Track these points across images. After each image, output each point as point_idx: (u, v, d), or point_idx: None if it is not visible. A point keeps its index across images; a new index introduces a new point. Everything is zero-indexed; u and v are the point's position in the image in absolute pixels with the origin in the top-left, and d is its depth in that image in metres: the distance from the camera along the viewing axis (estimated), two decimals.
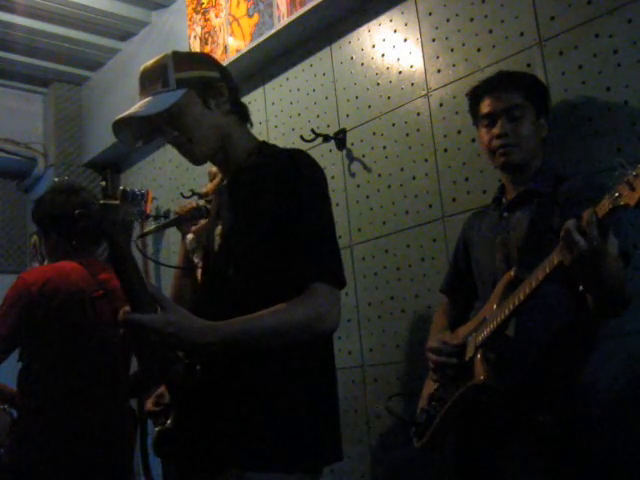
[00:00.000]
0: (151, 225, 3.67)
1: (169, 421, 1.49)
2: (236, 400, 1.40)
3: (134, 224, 1.47)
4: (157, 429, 1.49)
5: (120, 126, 1.50)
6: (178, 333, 1.27)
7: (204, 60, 1.58)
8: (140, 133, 1.58)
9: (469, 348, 1.70)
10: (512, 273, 1.65)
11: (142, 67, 1.53)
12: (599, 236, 1.32)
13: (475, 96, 1.92)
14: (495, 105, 1.83)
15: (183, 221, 2.10)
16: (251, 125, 1.64)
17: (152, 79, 1.49)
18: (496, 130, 1.82)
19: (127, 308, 1.30)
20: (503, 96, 1.83)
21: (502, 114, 1.81)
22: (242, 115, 1.60)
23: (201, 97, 1.51)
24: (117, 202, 1.35)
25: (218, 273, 1.51)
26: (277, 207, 1.42)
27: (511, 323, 1.60)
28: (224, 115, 1.55)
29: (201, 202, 2.20)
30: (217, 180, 1.70)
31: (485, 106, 1.86)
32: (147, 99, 1.47)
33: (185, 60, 1.52)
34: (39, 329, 2.25)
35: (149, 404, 1.63)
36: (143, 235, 2.08)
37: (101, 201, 1.35)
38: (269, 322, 1.34)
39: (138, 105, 1.47)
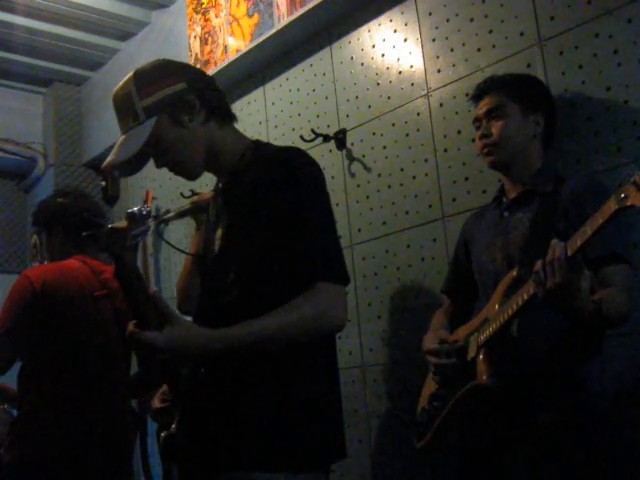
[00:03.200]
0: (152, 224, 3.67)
1: (174, 425, 1.49)
2: (241, 400, 1.39)
3: (139, 243, 1.49)
4: (162, 435, 1.50)
5: (108, 168, 1.49)
6: (182, 348, 1.29)
7: (166, 72, 1.49)
8: (129, 169, 1.56)
9: (471, 348, 1.70)
10: (514, 273, 1.65)
11: (112, 95, 1.50)
12: (569, 272, 1.38)
13: (472, 103, 1.98)
14: (480, 109, 1.90)
15: (200, 211, 2.10)
16: (236, 120, 1.59)
17: (123, 113, 1.47)
18: (479, 132, 1.89)
19: (133, 324, 1.31)
20: (485, 100, 1.90)
21: (484, 117, 1.88)
22: (222, 116, 1.55)
23: (173, 118, 1.47)
24: (124, 225, 1.36)
25: (219, 278, 1.50)
26: (276, 207, 1.41)
27: (514, 323, 1.60)
28: (202, 125, 1.50)
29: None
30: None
31: (476, 111, 1.93)
32: (123, 138, 1.46)
33: (148, 81, 1.46)
34: (41, 327, 2.25)
35: (156, 402, 1.63)
36: (162, 221, 2.08)
37: (109, 225, 1.37)
38: (274, 324, 1.34)
39: (117, 145, 1.46)
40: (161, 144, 1.47)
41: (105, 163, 1.46)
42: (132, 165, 1.54)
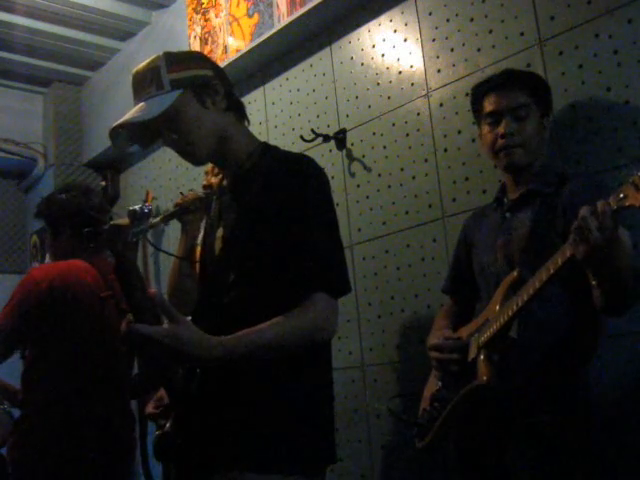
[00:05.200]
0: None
1: (168, 425, 1.48)
2: (235, 403, 1.40)
3: (139, 241, 1.49)
4: (157, 433, 1.49)
5: (117, 133, 1.48)
6: (180, 346, 1.25)
7: (197, 58, 1.54)
8: (138, 139, 1.55)
9: (472, 349, 1.70)
10: (515, 274, 1.65)
11: (134, 70, 1.50)
12: (613, 225, 1.28)
13: (479, 93, 1.89)
14: (500, 103, 1.80)
15: (185, 212, 2.11)
16: (248, 123, 1.62)
17: (145, 82, 1.46)
18: (501, 129, 1.79)
19: (130, 318, 1.30)
20: (509, 94, 1.79)
21: (507, 113, 1.78)
22: (239, 112, 1.58)
23: (197, 97, 1.48)
24: (126, 222, 1.35)
25: (219, 278, 1.50)
26: (283, 213, 1.41)
27: (514, 324, 1.60)
28: (221, 113, 1.52)
29: (201, 193, 2.20)
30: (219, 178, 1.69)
31: (489, 104, 1.83)
32: (141, 104, 1.45)
33: (178, 60, 1.49)
34: (46, 327, 2.25)
35: (150, 407, 1.62)
36: (151, 227, 2.08)
37: (111, 222, 1.37)
38: (271, 335, 1.33)
39: (133, 110, 1.44)
40: (179, 119, 1.47)
41: (120, 121, 1.44)
42: (141, 133, 1.52)
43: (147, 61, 1.49)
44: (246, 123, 1.61)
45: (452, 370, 1.76)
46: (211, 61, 1.59)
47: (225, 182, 1.60)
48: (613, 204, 1.28)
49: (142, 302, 1.30)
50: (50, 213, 2.44)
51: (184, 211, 2.10)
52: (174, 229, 3.54)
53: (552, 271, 1.43)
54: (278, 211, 1.42)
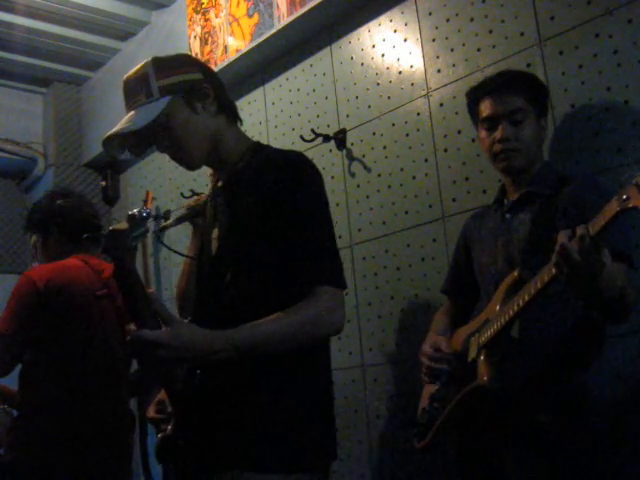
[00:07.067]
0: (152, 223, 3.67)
1: (169, 427, 1.49)
2: (234, 402, 1.40)
3: (138, 244, 1.49)
4: (159, 436, 1.49)
5: (110, 143, 1.48)
6: (185, 345, 1.26)
7: (185, 62, 1.54)
8: (131, 147, 1.55)
9: (472, 349, 1.70)
10: (515, 274, 1.64)
11: (124, 78, 1.50)
12: (592, 250, 1.31)
13: (475, 96, 1.88)
14: (496, 108, 1.79)
15: (197, 214, 2.12)
16: (241, 123, 1.62)
17: (135, 91, 1.46)
18: (498, 134, 1.78)
19: (132, 326, 1.30)
20: (505, 99, 1.78)
21: (503, 118, 1.77)
22: (231, 113, 1.57)
23: (187, 102, 1.48)
24: (125, 227, 1.35)
25: (216, 278, 1.50)
26: (277, 210, 1.41)
27: (515, 324, 1.60)
28: (212, 116, 1.52)
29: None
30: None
31: (486, 108, 1.82)
32: (132, 113, 1.45)
33: (166, 66, 1.49)
34: (43, 326, 2.25)
35: (151, 411, 1.62)
36: (163, 229, 2.09)
37: (110, 227, 1.36)
38: (278, 327, 1.34)
39: (124, 120, 1.45)
40: (170, 124, 1.47)
41: (111, 132, 1.44)
42: (134, 142, 1.53)
43: (136, 68, 1.49)
44: (239, 123, 1.60)
45: (441, 379, 1.77)
46: (200, 63, 1.59)
47: (219, 183, 1.60)
48: (593, 229, 1.29)
49: (143, 308, 1.29)
50: (36, 219, 2.47)
51: (196, 214, 2.12)
52: (176, 231, 3.54)
53: (554, 272, 1.43)
54: (272, 208, 1.42)
